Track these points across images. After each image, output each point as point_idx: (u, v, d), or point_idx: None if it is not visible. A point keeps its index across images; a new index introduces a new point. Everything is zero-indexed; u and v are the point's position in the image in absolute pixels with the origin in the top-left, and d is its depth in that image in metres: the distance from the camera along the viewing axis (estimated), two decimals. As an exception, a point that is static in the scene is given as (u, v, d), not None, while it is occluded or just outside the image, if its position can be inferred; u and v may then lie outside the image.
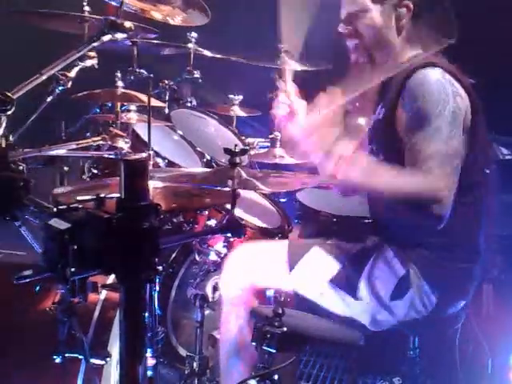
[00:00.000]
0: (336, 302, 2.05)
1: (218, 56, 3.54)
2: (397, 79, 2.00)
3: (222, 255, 2.47)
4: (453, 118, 1.87)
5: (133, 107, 2.77)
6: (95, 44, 1.75)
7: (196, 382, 2.40)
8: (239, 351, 2.13)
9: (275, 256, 2.15)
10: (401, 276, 1.99)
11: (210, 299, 2.45)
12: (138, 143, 2.77)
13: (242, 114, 3.53)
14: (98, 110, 3.30)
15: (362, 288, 2.01)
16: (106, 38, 1.75)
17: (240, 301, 2.13)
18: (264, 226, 2.62)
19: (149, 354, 2.01)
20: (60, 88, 1.96)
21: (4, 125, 1.41)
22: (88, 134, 3.12)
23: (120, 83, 2.75)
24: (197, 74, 3.54)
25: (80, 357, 1.69)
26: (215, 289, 2.62)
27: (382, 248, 2.05)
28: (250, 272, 2.15)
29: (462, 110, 1.90)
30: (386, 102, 2.04)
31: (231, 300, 2.16)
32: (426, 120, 1.88)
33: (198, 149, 2.99)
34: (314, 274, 2.09)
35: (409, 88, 1.93)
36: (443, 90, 1.89)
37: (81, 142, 1.94)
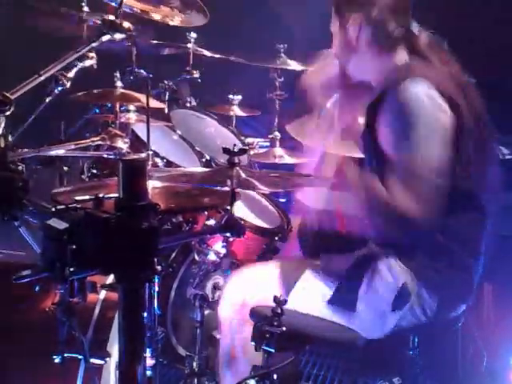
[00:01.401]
0: (336, 320, 2.04)
1: (218, 56, 3.54)
2: (379, 89, 1.98)
3: (222, 255, 2.47)
4: (431, 130, 1.85)
5: (132, 107, 2.77)
6: (94, 44, 1.75)
7: (196, 381, 2.40)
8: (237, 365, 2.13)
9: (272, 281, 2.13)
10: (398, 289, 1.96)
11: (210, 299, 2.45)
12: (137, 143, 2.77)
13: (241, 113, 3.53)
14: (97, 111, 3.30)
15: (361, 304, 1.99)
16: (105, 38, 1.75)
17: (239, 322, 2.12)
18: (263, 225, 2.62)
19: (148, 353, 2.01)
20: (59, 88, 1.96)
21: (3, 125, 1.41)
22: (87, 134, 3.12)
23: (119, 83, 2.75)
24: (196, 74, 3.54)
25: (79, 357, 1.69)
26: (215, 288, 2.63)
27: (378, 260, 2.01)
28: (249, 298, 2.12)
29: (441, 121, 1.87)
30: (367, 110, 2.00)
31: (229, 322, 2.16)
32: (401, 136, 1.87)
33: (197, 149, 2.99)
34: (309, 297, 2.06)
35: (386, 105, 1.90)
36: (420, 103, 1.86)
37: (80, 142, 1.94)
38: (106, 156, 2.10)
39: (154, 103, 2.96)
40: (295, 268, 2.14)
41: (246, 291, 2.14)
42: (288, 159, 3.18)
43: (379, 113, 1.93)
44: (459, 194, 1.93)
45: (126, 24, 1.78)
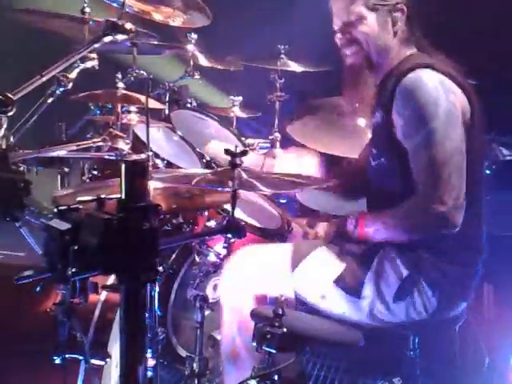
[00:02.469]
0: (338, 303, 2.05)
1: (215, 66, 3.53)
2: (390, 82, 2.02)
3: (222, 256, 2.47)
4: (448, 117, 1.89)
5: (133, 108, 2.77)
6: (96, 45, 1.76)
7: (196, 382, 2.40)
8: (238, 355, 2.13)
9: (276, 259, 2.15)
10: (404, 278, 1.99)
11: (210, 300, 2.45)
12: (138, 144, 2.77)
13: (242, 115, 3.53)
14: (98, 112, 3.30)
15: (367, 288, 2.01)
16: (107, 39, 1.75)
17: (240, 306, 2.13)
18: (264, 226, 2.61)
19: (149, 354, 2.01)
20: (60, 89, 1.96)
21: (5, 126, 1.41)
22: (88, 136, 3.12)
23: (121, 84, 2.75)
24: (197, 76, 3.55)
25: (80, 358, 1.69)
26: (215, 289, 2.63)
27: (387, 248, 2.04)
28: (250, 277, 2.14)
29: (457, 107, 1.92)
30: (381, 105, 2.05)
31: (231, 305, 2.16)
32: (419, 124, 1.91)
33: (198, 150, 2.99)
34: (317, 273, 2.09)
35: (400, 92, 1.95)
36: (434, 90, 1.91)
37: (81, 143, 1.94)
38: (107, 157, 2.10)
39: (155, 104, 2.97)
40: (305, 247, 2.16)
41: (246, 272, 2.16)
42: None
43: (392, 105, 1.97)
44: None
45: (128, 25, 1.78)
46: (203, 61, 3.52)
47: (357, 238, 2.05)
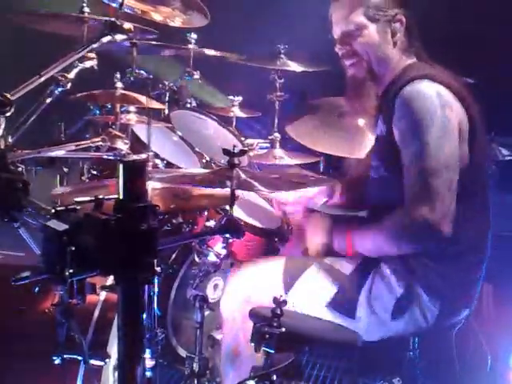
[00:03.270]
0: (334, 321, 2.03)
1: (218, 54, 3.53)
2: (390, 93, 2.01)
3: (222, 256, 2.47)
4: (442, 130, 1.87)
5: (132, 108, 2.77)
6: (95, 45, 1.76)
7: (196, 382, 2.39)
8: (238, 355, 2.12)
9: (274, 277, 2.13)
10: (399, 295, 1.96)
11: (210, 300, 2.45)
12: (138, 144, 2.78)
13: (241, 115, 3.53)
14: (97, 112, 3.31)
15: (361, 309, 1.99)
16: (106, 39, 1.75)
17: (241, 320, 2.12)
18: (263, 226, 2.61)
19: (148, 355, 2.01)
20: (59, 89, 1.96)
21: (3, 126, 1.41)
22: (87, 136, 3.12)
23: (119, 84, 2.75)
24: (196, 75, 3.55)
25: (79, 358, 1.69)
26: (215, 289, 2.63)
27: (380, 265, 2.02)
28: (250, 295, 2.13)
29: (451, 121, 1.89)
30: (383, 116, 2.05)
31: (232, 318, 2.16)
32: (413, 136, 1.90)
33: (198, 150, 2.99)
34: (310, 296, 2.06)
35: (397, 106, 1.94)
36: (430, 103, 1.89)
37: (80, 143, 1.94)
38: (105, 157, 2.10)
39: (154, 104, 2.97)
40: (298, 266, 2.13)
41: (249, 287, 2.15)
42: (288, 160, 3.19)
43: (392, 117, 1.96)
44: (469, 193, 1.93)
45: (127, 25, 1.78)
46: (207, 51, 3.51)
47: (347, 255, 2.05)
